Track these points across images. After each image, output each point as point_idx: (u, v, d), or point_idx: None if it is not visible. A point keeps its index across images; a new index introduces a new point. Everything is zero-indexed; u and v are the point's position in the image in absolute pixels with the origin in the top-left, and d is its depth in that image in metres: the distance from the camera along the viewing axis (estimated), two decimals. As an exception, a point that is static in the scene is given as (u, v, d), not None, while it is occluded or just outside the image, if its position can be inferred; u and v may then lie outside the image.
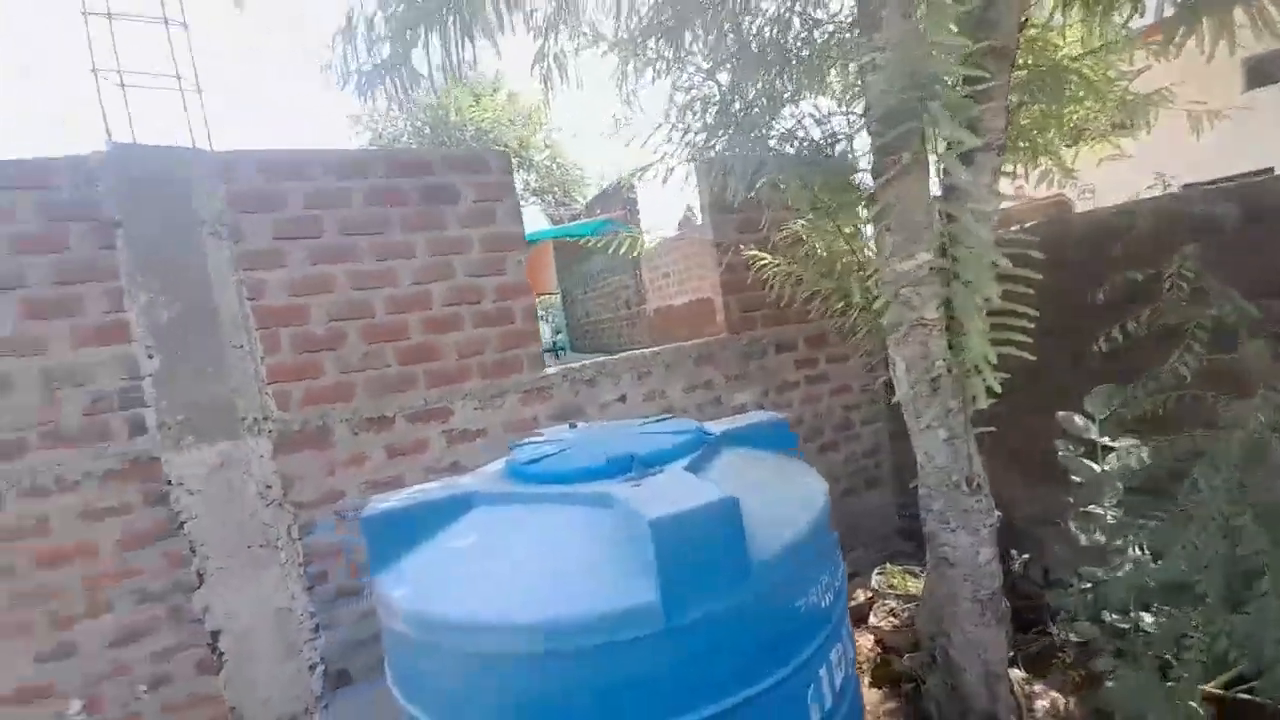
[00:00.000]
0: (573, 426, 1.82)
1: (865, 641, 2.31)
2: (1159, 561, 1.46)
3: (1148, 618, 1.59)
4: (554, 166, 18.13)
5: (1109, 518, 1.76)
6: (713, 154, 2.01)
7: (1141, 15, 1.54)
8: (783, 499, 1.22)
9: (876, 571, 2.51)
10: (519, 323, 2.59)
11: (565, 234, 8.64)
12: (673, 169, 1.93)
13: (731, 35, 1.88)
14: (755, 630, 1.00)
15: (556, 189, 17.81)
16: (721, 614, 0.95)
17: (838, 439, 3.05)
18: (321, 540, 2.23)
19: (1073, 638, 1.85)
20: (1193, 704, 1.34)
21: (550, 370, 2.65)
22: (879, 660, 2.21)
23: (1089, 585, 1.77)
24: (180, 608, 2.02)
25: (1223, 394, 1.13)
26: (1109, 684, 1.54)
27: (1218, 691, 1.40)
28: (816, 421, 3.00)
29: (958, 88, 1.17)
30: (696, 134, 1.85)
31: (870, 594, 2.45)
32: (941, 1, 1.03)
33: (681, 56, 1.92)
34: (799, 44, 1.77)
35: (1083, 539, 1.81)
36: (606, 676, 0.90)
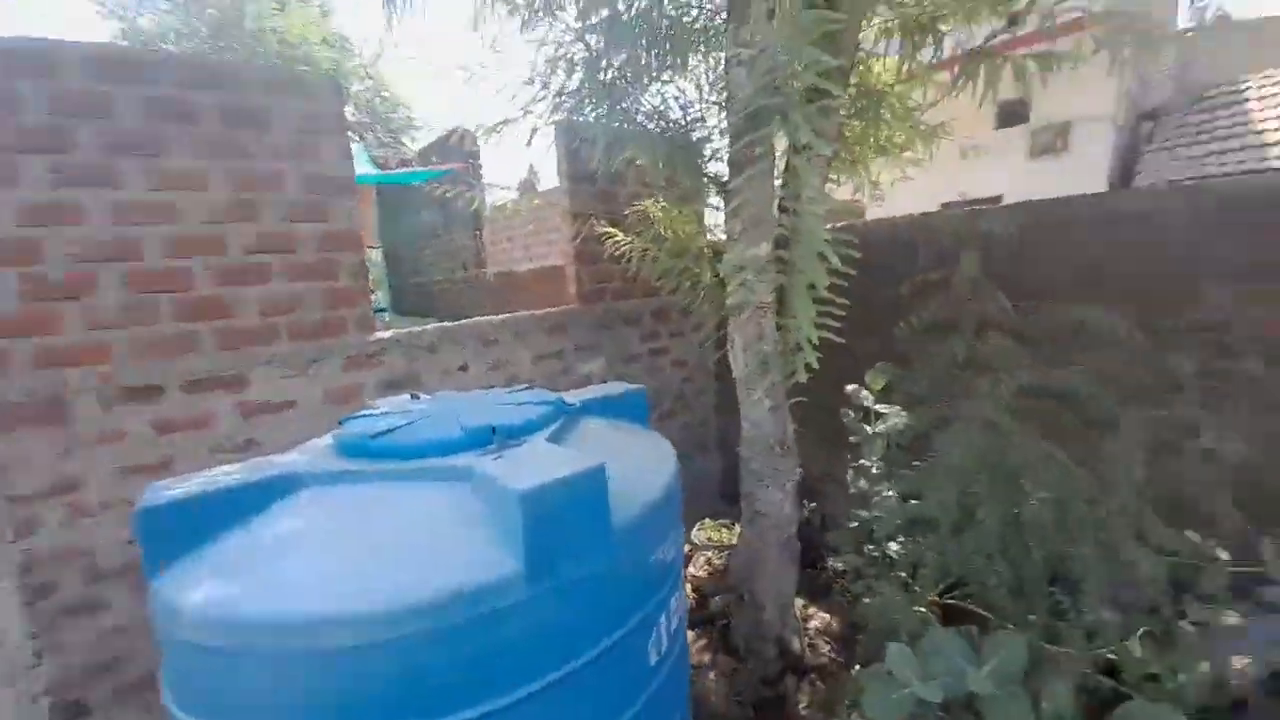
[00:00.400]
0: (415, 397, 1.69)
1: (685, 589, 2.58)
2: (909, 502, 1.87)
3: (895, 546, 2.03)
4: (377, 101, 16.01)
5: (874, 469, 2.19)
6: (578, 119, 1.97)
7: (941, 55, 1.88)
8: (640, 465, 1.29)
9: (697, 527, 2.80)
10: (344, 279, 2.30)
11: (394, 180, 7.75)
12: (537, 129, 1.85)
13: (602, -1, 1.83)
14: (613, 588, 1.05)
15: (379, 128, 15.80)
16: (584, 577, 0.99)
17: (675, 408, 3.29)
18: (49, 542, 1.77)
19: (840, 567, 2.28)
20: (923, 609, 1.76)
21: (382, 334, 2.41)
22: (695, 604, 2.49)
23: (855, 524, 2.20)
24: None
25: (979, 376, 1.50)
26: (865, 601, 1.94)
27: (940, 600, 1.85)
28: (657, 394, 3.19)
29: (811, 100, 1.32)
30: (564, 96, 1.79)
31: (691, 547, 2.73)
32: (807, 21, 1.15)
33: (552, 9, 1.82)
34: (668, 22, 1.80)
35: (853, 488, 2.23)
36: (468, 651, 0.88)
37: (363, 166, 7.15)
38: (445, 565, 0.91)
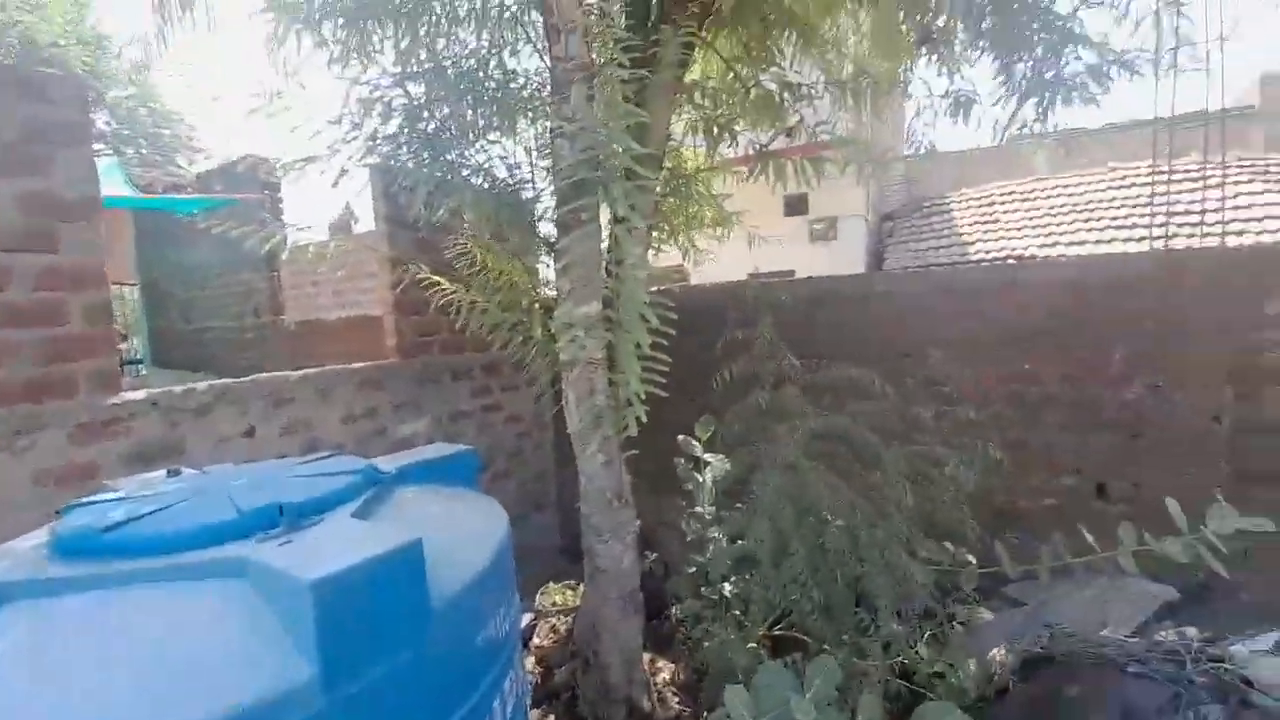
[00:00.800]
0: (174, 473, 1.38)
1: (528, 663, 2.40)
2: (736, 542, 2.01)
3: (728, 587, 2.16)
4: (143, 112, 13.49)
5: (706, 515, 2.33)
6: (396, 165, 1.87)
7: (736, 150, 2.22)
8: (466, 535, 1.19)
9: (540, 592, 2.67)
10: (78, 325, 1.83)
11: (160, 206, 6.48)
12: (346, 171, 1.71)
13: (425, 52, 1.82)
14: (436, 675, 0.93)
15: (144, 142, 13.27)
16: (400, 669, 0.86)
17: (510, 466, 3.15)
18: None
19: (681, 615, 2.34)
20: (753, 645, 1.88)
21: (133, 395, 1.94)
22: (540, 678, 2.33)
23: (693, 570, 2.29)
24: None
25: (779, 423, 1.72)
26: (705, 644, 2.02)
27: (769, 633, 2.00)
28: (490, 451, 3.04)
29: (629, 178, 1.44)
30: (379, 141, 1.69)
31: (534, 615, 2.58)
32: (619, 108, 1.27)
33: (367, 51, 1.74)
34: (494, 85, 1.84)
35: (690, 535, 2.34)
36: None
37: (117, 186, 5.88)
38: (210, 685, 0.72)
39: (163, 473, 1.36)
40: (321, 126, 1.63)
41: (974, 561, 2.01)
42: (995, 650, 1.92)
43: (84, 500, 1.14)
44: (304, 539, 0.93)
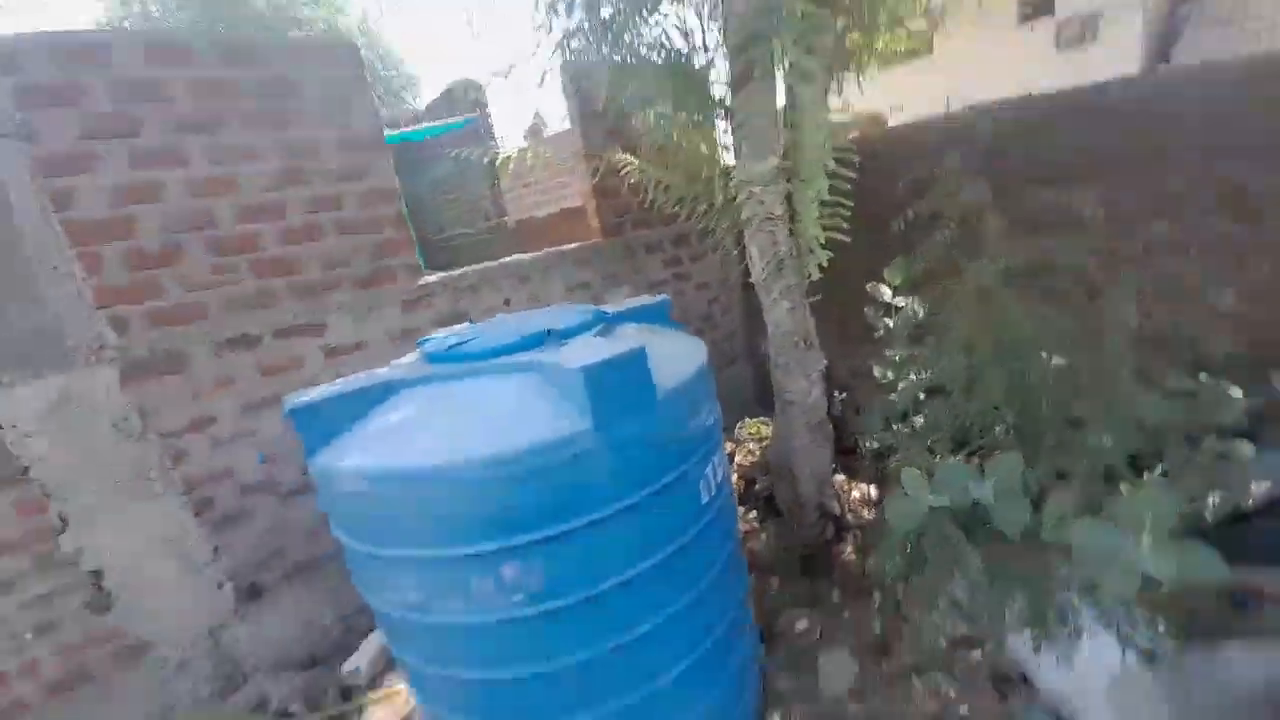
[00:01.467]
0: (472, 323, 1.93)
1: (732, 476, 2.86)
2: (925, 374, 2.05)
3: (920, 420, 2.23)
4: (375, 60, 15.79)
5: (897, 358, 2.36)
6: (583, 58, 2.08)
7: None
8: (674, 353, 1.51)
9: (739, 425, 3.07)
10: (389, 231, 2.52)
11: (406, 138, 7.80)
12: (547, 73, 1.98)
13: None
14: (662, 441, 1.30)
15: (380, 87, 15.66)
16: (638, 432, 1.24)
17: (702, 328, 3.49)
18: (198, 468, 2.14)
19: (871, 445, 2.50)
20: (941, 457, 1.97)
21: (429, 279, 2.65)
22: (742, 489, 2.77)
23: (883, 407, 2.39)
24: (46, 553, 1.87)
25: (970, 259, 1.63)
26: (895, 460, 2.16)
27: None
28: (683, 314, 3.40)
29: (801, 18, 1.42)
30: (568, 38, 1.90)
31: (734, 443, 3.00)
32: None
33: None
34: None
35: (883, 379, 2.42)
36: (558, 485, 1.16)
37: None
38: (531, 428, 1.17)
39: (466, 324, 1.93)
40: (517, 40, 1.89)
41: (1238, 395, 1.72)
42: (1251, 484, 1.71)
43: (429, 337, 1.74)
44: (568, 348, 1.33)
